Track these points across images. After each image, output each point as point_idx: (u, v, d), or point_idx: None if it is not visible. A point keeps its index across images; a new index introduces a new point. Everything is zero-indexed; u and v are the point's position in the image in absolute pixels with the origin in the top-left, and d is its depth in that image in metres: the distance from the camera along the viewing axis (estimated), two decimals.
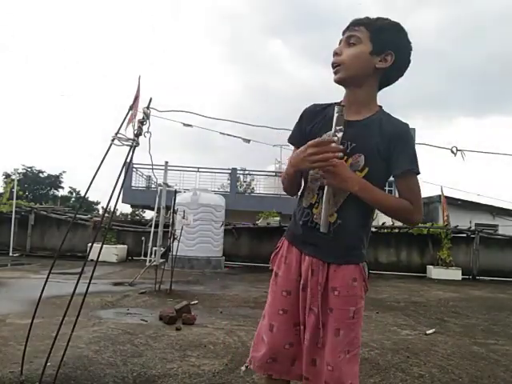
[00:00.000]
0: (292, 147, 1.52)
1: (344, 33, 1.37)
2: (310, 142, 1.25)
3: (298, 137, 1.45)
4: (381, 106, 1.42)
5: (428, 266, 12.32)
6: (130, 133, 2.61)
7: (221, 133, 5.23)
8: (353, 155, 1.33)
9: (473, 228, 13.57)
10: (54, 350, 2.18)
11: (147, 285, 6.72)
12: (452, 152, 3.61)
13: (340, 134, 1.24)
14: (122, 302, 5.28)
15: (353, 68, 1.33)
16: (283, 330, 1.45)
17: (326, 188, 1.30)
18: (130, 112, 2.71)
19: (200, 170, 19.86)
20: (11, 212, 11.60)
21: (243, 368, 2.78)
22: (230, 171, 20.71)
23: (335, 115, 1.24)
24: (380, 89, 1.45)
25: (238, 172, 21.55)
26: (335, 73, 1.36)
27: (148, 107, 2.80)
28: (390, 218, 13.59)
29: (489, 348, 3.73)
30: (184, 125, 4.78)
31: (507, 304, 7.02)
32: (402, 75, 1.44)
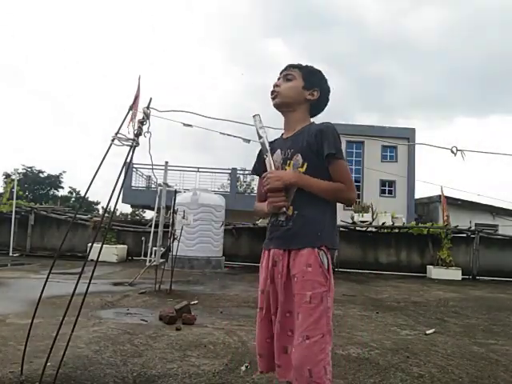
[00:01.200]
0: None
1: (281, 72, 1.77)
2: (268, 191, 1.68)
3: (258, 167, 1.86)
4: (312, 122, 1.78)
5: (428, 266, 12.32)
6: (130, 133, 2.61)
7: (221, 133, 5.24)
8: (293, 157, 1.67)
9: (473, 228, 13.58)
10: (54, 349, 2.18)
11: (147, 285, 6.72)
12: (452, 152, 3.61)
13: (261, 140, 1.71)
14: (121, 301, 5.28)
15: (287, 96, 1.73)
16: (263, 326, 1.69)
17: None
18: (130, 112, 2.71)
19: (200, 170, 19.88)
20: (11, 212, 11.61)
21: (243, 368, 2.80)
22: (230, 171, 20.72)
23: (255, 122, 1.71)
24: (312, 116, 1.81)
25: (238, 172, 21.55)
26: (273, 99, 1.75)
27: (148, 107, 2.79)
28: (389, 218, 13.66)
29: (489, 348, 3.73)
30: (184, 125, 4.78)
31: (507, 304, 7.02)
32: (323, 109, 1.84)
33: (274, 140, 1.83)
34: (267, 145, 1.70)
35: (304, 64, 1.80)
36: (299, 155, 1.65)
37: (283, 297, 1.59)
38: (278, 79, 1.79)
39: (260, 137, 1.67)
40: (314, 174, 1.61)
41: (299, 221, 1.62)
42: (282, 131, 1.86)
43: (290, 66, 1.77)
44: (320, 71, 1.80)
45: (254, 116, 1.70)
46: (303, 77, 1.74)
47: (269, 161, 1.68)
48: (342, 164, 1.64)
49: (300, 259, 1.58)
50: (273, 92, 1.75)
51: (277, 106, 1.75)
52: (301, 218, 1.62)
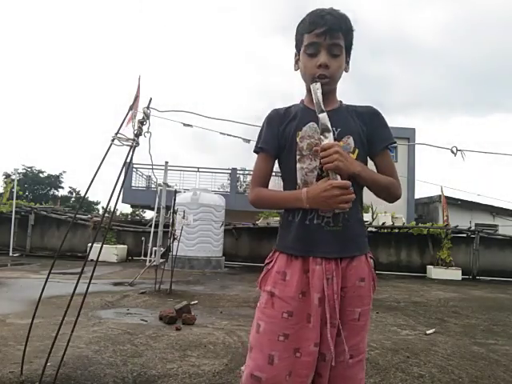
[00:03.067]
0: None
1: (323, 35, 1.28)
2: (333, 184, 1.19)
3: (271, 141, 1.37)
4: (341, 101, 1.44)
5: (428, 266, 12.32)
6: (130, 133, 2.61)
7: (221, 133, 5.24)
8: (342, 138, 1.31)
9: (473, 228, 13.58)
10: (54, 350, 2.18)
11: (147, 285, 6.72)
12: (452, 152, 3.61)
13: (322, 115, 1.25)
14: (121, 302, 5.28)
15: (338, 79, 1.36)
16: (285, 359, 1.25)
17: (330, 173, 1.22)
18: (130, 112, 2.71)
19: (200, 170, 19.86)
20: (11, 212, 11.60)
21: (243, 368, 2.80)
22: (229, 171, 20.71)
23: (315, 93, 1.27)
24: None
25: (238, 172, 21.54)
26: (324, 84, 1.29)
27: (148, 107, 2.80)
28: (389, 218, 13.65)
29: (489, 348, 3.73)
30: (184, 125, 4.78)
31: (507, 304, 7.01)
32: None
33: (291, 106, 1.43)
34: (329, 122, 1.25)
35: (341, 17, 1.32)
36: (351, 138, 1.31)
37: (338, 321, 1.25)
38: (314, 46, 1.30)
39: (322, 110, 1.24)
40: (362, 161, 1.31)
41: (347, 220, 1.30)
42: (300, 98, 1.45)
43: (336, 30, 1.29)
44: (352, 25, 1.36)
45: (314, 84, 1.27)
46: (345, 45, 1.34)
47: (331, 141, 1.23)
48: (390, 156, 1.39)
49: (352, 270, 1.29)
50: (323, 77, 1.30)
51: (324, 93, 1.29)
52: (353, 216, 1.31)
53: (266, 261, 1.39)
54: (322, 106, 1.25)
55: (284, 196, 1.34)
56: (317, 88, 1.26)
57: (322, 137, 1.24)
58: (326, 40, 1.28)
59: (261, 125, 1.45)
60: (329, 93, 1.34)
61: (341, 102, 1.42)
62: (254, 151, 1.43)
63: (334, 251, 1.28)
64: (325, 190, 1.20)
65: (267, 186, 1.40)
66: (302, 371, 1.26)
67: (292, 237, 1.32)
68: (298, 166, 1.31)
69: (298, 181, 1.32)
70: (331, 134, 1.24)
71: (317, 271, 1.26)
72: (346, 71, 1.39)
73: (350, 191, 1.19)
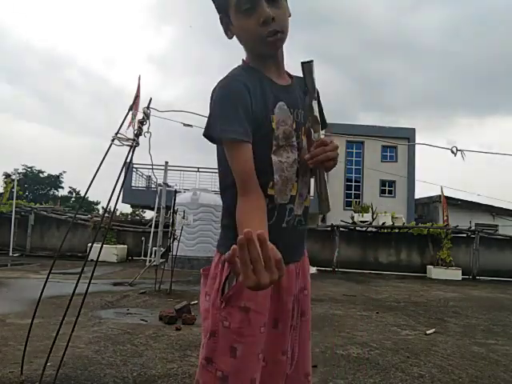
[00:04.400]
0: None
1: None
2: None
3: (247, 125, 0.98)
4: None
5: (428, 266, 12.32)
6: (130, 133, 2.61)
7: None
8: (306, 123, 1.11)
9: (473, 228, 13.58)
10: (54, 350, 2.18)
11: (147, 285, 6.73)
12: (452, 152, 3.61)
13: (315, 102, 1.06)
14: (121, 301, 5.28)
15: (287, 30, 1.06)
16: (254, 370, 1.05)
17: (320, 173, 1.06)
18: (130, 112, 2.71)
19: (200, 169, 19.84)
20: (11, 212, 11.60)
21: None
22: None
23: (310, 72, 1.05)
24: None
25: None
26: (278, 40, 1.03)
27: (148, 107, 2.80)
28: (389, 218, 13.65)
29: (489, 348, 3.73)
30: (184, 125, 4.79)
31: (507, 304, 7.02)
32: None
33: (242, 73, 1.06)
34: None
35: None
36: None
37: (296, 321, 1.15)
38: (250, 1, 0.98)
39: (314, 98, 1.05)
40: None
41: (307, 214, 1.17)
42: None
43: None
44: None
45: (307, 63, 1.04)
46: None
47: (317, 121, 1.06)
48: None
49: (306, 267, 1.20)
50: (276, 32, 1.00)
51: (278, 48, 1.07)
52: (308, 214, 1.17)
53: (216, 269, 1.08)
54: (316, 85, 1.03)
55: (259, 214, 0.97)
56: (310, 66, 1.04)
57: (312, 130, 1.05)
58: None
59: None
60: (280, 60, 1.11)
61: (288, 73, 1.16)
62: (228, 138, 0.98)
63: (302, 252, 1.17)
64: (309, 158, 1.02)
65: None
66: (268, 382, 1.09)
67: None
68: (275, 159, 1.04)
69: (276, 177, 1.05)
70: (319, 126, 1.05)
71: (292, 271, 1.11)
72: (289, 16, 1.08)
73: (329, 148, 1.02)
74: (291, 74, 1.16)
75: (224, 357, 1.02)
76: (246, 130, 0.98)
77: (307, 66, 1.04)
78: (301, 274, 1.15)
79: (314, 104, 1.04)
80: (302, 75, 1.08)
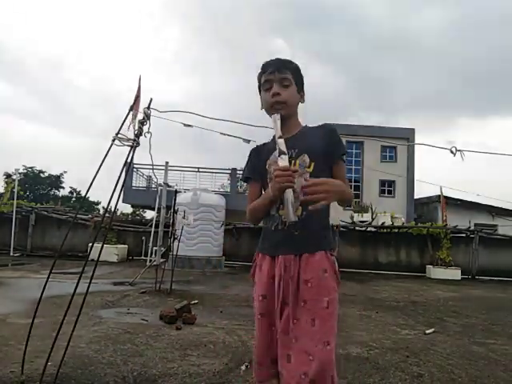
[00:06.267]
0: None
1: (272, 73, 1.62)
2: (275, 168, 1.49)
3: (254, 171, 1.73)
4: (306, 125, 1.73)
5: (427, 266, 12.34)
6: (130, 133, 2.62)
7: (221, 133, 5.24)
8: (299, 157, 1.60)
9: (472, 228, 13.59)
10: (55, 349, 2.19)
11: (148, 284, 6.74)
12: (451, 152, 3.61)
13: (280, 140, 1.48)
14: (122, 301, 5.30)
15: (292, 105, 1.66)
16: (264, 333, 1.57)
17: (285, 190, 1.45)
18: (131, 112, 2.72)
19: (200, 170, 19.84)
20: (12, 212, 11.61)
21: (243, 367, 2.81)
22: (230, 171, 20.71)
23: (275, 122, 1.53)
24: None
25: (238, 172, 21.52)
26: (279, 109, 1.60)
27: (148, 107, 2.80)
28: (389, 218, 13.67)
29: (488, 348, 3.74)
30: (184, 125, 4.79)
31: (506, 304, 7.04)
32: None
33: (268, 143, 1.74)
34: (284, 146, 1.50)
35: (288, 61, 1.69)
36: (305, 155, 1.60)
37: (292, 303, 1.50)
38: (268, 82, 1.63)
39: (280, 136, 1.49)
40: (318, 174, 1.54)
41: (309, 223, 1.56)
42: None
43: (283, 67, 1.63)
44: (299, 67, 1.71)
45: (274, 115, 1.54)
46: (295, 79, 1.65)
47: (286, 162, 1.48)
48: (344, 165, 1.68)
49: (314, 264, 1.52)
50: (278, 103, 1.60)
51: (282, 118, 1.58)
52: (310, 220, 1.56)
53: (253, 258, 1.72)
54: (280, 133, 1.49)
55: (260, 199, 1.65)
56: (277, 118, 1.53)
57: (278, 158, 1.47)
58: (276, 75, 1.62)
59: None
60: (288, 119, 1.64)
61: (305, 125, 1.72)
62: (243, 180, 1.89)
63: (295, 249, 1.56)
64: (274, 174, 1.47)
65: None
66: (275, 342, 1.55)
67: (265, 240, 1.67)
68: (270, 185, 1.55)
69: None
70: (286, 156, 1.47)
71: (278, 263, 1.56)
72: (302, 102, 1.71)
73: (286, 173, 1.42)
74: (306, 126, 1.72)
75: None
76: (251, 174, 1.75)
77: (272, 117, 1.55)
78: (303, 267, 1.52)
79: (279, 141, 1.48)
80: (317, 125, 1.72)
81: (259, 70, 1.69)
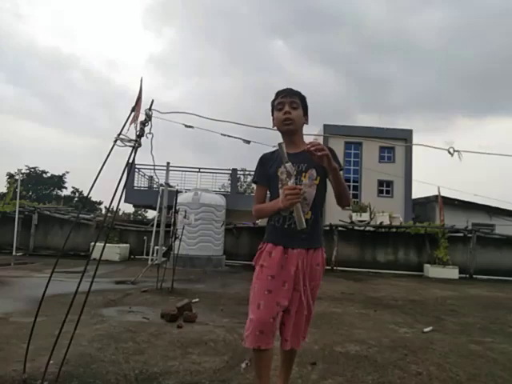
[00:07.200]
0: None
1: (284, 97, 2.02)
2: (285, 188, 1.80)
3: (262, 177, 2.09)
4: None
5: (425, 265, 12.36)
6: (132, 134, 2.65)
7: (222, 134, 5.26)
8: (307, 171, 1.98)
9: (470, 227, 13.61)
10: (57, 348, 2.21)
11: (149, 283, 6.77)
12: (449, 153, 3.63)
13: (288, 164, 1.79)
14: (124, 300, 5.33)
15: (298, 123, 2.05)
16: (269, 307, 1.90)
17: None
18: (133, 113, 2.75)
19: (201, 170, 19.88)
20: (15, 212, 11.64)
21: (243, 365, 2.84)
22: (230, 172, 20.74)
23: (281, 147, 1.81)
24: None
25: (239, 172, 21.58)
26: (288, 124, 2.00)
27: (150, 109, 2.83)
28: (387, 218, 13.68)
29: (486, 346, 3.76)
30: (185, 126, 4.82)
31: (504, 303, 7.05)
32: None
33: (276, 151, 2.06)
34: (292, 169, 1.82)
35: (297, 90, 2.09)
36: (314, 170, 1.98)
37: (304, 289, 1.96)
38: (281, 104, 2.02)
39: (287, 162, 1.78)
40: (323, 185, 2.00)
41: (316, 225, 2.00)
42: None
43: (292, 93, 2.04)
44: (305, 97, 2.12)
45: (280, 144, 1.81)
46: (301, 104, 2.06)
47: (293, 183, 1.81)
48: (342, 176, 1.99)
49: (315, 258, 2.00)
50: (288, 119, 1.99)
51: (290, 132, 2.02)
52: (316, 222, 2.00)
53: (259, 247, 2.07)
54: (287, 159, 1.78)
55: (269, 204, 1.99)
56: (281, 147, 1.80)
57: (287, 179, 1.80)
58: (287, 99, 2.02)
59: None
60: (295, 135, 2.05)
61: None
62: (252, 182, 2.25)
63: (304, 244, 1.97)
64: (283, 193, 1.80)
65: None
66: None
67: (277, 234, 2.01)
68: (280, 191, 1.92)
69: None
70: (293, 178, 1.81)
71: (294, 254, 1.95)
72: (306, 123, 2.12)
73: (295, 192, 1.74)
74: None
75: (251, 292, 1.99)
76: (259, 178, 2.10)
77: (279, 146, 1.82)
78: (308, 259, 1.97)
79: (288, 165, 1.78)
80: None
81: (274, 97, 2.09)
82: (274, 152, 2.11)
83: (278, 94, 2.06)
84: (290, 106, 2.01)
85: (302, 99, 2.08)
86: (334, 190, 1.92)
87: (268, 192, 2.12)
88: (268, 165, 2.07)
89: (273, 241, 2.00)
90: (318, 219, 2.00)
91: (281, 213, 1.97)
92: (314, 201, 1.99)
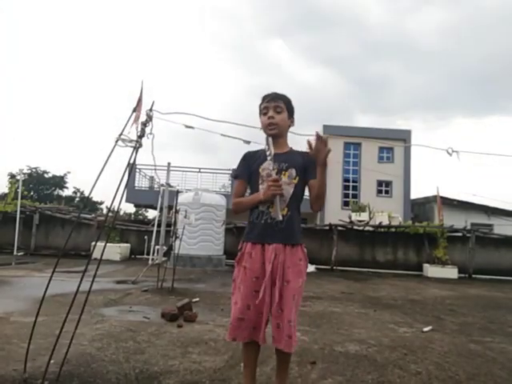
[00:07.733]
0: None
1: (268, 101, 2.09)
2: (268, 180, 1.98)
3: (244, 172, 2.14)
4: (291, 147, 2.19)
5: (424, 265, 12.38)
6: (133, 134, 2.66)
7: (222, 134, 5.27)
8: (288, 170, 2.07)
9: (468, 227, 13.63)
10: (58, 347, 2.22)
11: (150, 283, 6.78)
12: (448, 153, 3.65)
13: (270, 157, 1.96)
14: (124, 299, 5.34)
15: (283, 127, 2.11)
16: (256, 306, 1.98)
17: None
18: (134, 114, 2.76)
19: (201, 170, 19.93)
20: (16, 212, 11.65)
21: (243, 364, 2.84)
22: (230, 172, 20.76)
23: (268, 141, 2.01)
24: None
25: None
26: (272, 129, 2.07)
27: (151, 109, 2.85)
28: (386, 218, 13.70)
29: (485, 346, 3.77)
30: (186, 127, 4.83)
31: (503, 302, 7.06)
32: None
33: (259, 150, 2.17)
34: (272, 164, 2.00)
35: (282, 94, 2.15)
36: (293, 170, 2.07)
37: (280, 283, 1.96)
38: (266, 108, 2.09)
39: (270, 154, 1.95)
40: (301, 185, 2.09)
41: (291, 221, 2.04)
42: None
43: (277, 98, 2.11)
44: (291, 99, 2.18)
45: (268, 138, 2.00)
46: (286, 108, 2.12)
47: (273, 173, 1.98)
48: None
49: (293, 253, 2.02)
50: (271, 124, 2.07)
51: (275, 136, 2.07)
52: (292, 219, 2.05)
53: (239, 247, 2.13)
54: (273, 154, 1.97)
55: (249, 197, 2.09)
56: (269, 141, 1.99)
57: (272, 172, 1.98)
58: (271, 103, 2.09)
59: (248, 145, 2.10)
60: (280, 138, 2.12)
61: (291, 148, 2.18)
62: (233, 176, 2.32)
63: (280, 240, 2.01)
64: (267, 185, 1.95)
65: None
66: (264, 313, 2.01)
67: (255, 232, 2.06)
68: (260, 186, 2.06)
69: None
70: (275, 170, 1.99)
71: (270, 250, 2.00)
72: (292, 125, 2.20)
73: (278, 184, 1.92)
74: (292, 149, 2.18)
75: (235, 291, 2.07)
76: (241, 173, 2.16)
77: (266, 140, 2.02)
78: (288, 255, 2.00)
79: (271, 159, 1.98)
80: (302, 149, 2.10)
81: (260, 102, 2.14)
82: (257, 151, 2.18)
83: (264, 98, 2.12)
84: (274, 111, 2.08)
85: (287, 102, 2.14)
86: (314, 191, 2.02)
87: (248, 189, 2.19)
88: (251, 161, 2.14)
89: (250, 238, 2.07)
90: (294, 216, 2.06)
91: (259, 207, 2.05)
92: (291, 199, 2.06)
